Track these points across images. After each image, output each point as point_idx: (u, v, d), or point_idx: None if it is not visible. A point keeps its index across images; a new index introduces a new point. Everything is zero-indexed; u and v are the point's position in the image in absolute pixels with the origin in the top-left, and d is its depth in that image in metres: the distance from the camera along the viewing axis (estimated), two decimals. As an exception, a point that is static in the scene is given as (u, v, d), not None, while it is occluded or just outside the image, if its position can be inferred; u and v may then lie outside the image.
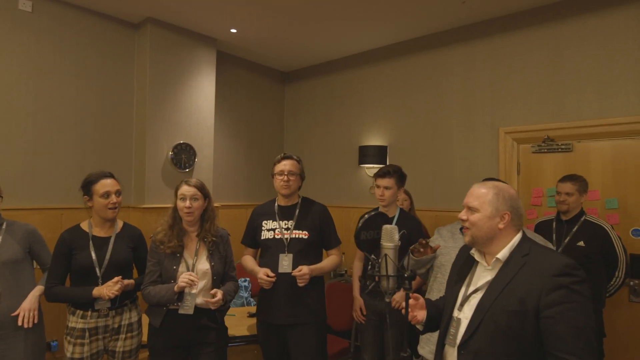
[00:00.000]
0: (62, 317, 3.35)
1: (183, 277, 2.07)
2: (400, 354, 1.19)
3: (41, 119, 3.37)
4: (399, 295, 2.58)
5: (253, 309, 3.18)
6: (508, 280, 1.34)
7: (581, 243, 2.69)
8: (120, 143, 3.82)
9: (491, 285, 1.39)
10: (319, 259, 2.46)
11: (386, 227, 1.34)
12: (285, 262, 2.34)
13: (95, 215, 2.26)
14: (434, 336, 1.97)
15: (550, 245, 2.08)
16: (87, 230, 2.25)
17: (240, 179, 4.83)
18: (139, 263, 2.34)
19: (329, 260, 2.48)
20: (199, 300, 2.15)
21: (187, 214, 2.20)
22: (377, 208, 2.86)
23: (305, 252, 2.39)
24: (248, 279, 4.10)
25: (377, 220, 1.52)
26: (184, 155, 3.95)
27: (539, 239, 2.05)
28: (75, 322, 2.16)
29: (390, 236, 1.31)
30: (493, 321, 1.32)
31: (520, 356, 1.28)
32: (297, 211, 2.47)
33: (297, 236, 2.41)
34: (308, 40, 4.28)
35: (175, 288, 2.08)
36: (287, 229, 2.43)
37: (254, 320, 2.94)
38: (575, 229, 2.74)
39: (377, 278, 1.38)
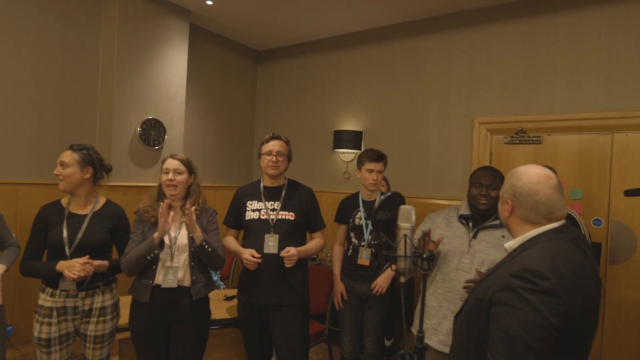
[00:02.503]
0: (18, 300, 3.12)
1: (160, 217, 1.99)
2: (417, 334, 1.18)
3: (-5, 85, 3.06)
4: (383, 279, 2.61)
5: (229, 292, 3.11)
6: (494, 270, 1.31)
7: None
8: (83, 116, 3.55)
9: (486, 272, 1.40)
10: (303, 242, 2.44)
11: (403, 207, 1.33)
12: (270, 243, 2.30)
13: None
14: (441, 326, 1.99)
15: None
16: (65, 206, 2.13)
17: (210, 160, 4.66)
18: (120, 245, 2.21)
19: (315, 243, 2.46)
20: (180, 274, 2.10)
21: (169, 187, 2.13)
22: (357, 193, 2.85)
23: (291, 234, 2.36)
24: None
25: (393, 200, 1.50)
26: (153, 132, 3.74)
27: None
28: (44, 300, 2.06)
29: (407, 216, 1.29)
30: (469, 305, 1.33)
31: (483, 345, 1.22)
32: (284, 192, 2.42)
33: (283, 217, 2.36)
34: (285, 18, 4.16)
35: (156, 234, 2.01)
36: (274, 209, 2.37)
37: (230, 303, 2.88)
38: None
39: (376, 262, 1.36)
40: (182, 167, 2.17)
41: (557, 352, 1.13)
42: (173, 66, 3.92)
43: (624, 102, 3.09)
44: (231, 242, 2.45)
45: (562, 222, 1.27)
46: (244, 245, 2.39)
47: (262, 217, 2.36)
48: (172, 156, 2.20)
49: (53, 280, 2.06)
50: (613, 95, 3.13)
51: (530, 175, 1.27)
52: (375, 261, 1.27)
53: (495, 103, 3.60)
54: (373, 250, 2.59)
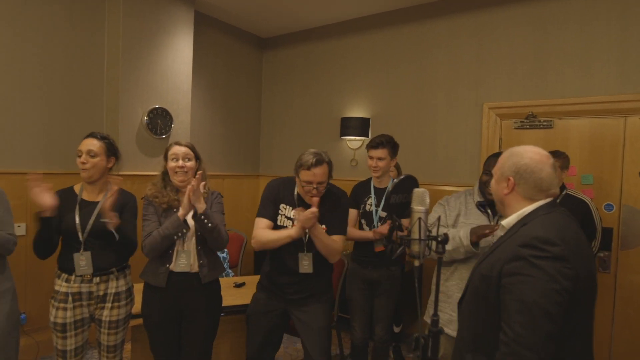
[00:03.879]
0: (30, 288, 3.15)
1: (187, 190, 1.95)
2: (432, 318, 1.17)
3: (2, 77, 3.05)
4: (384, 228, 2.54)
5: (238, 279, 3.12)
6: (495, 247, 1.33)
7: None
8: (90, 105, 3.54)
9: (487, 251, 1.39)
10: None
11: (417, 190, 1.31)
12: (305, 262, 2.11)
13: None
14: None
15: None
16: (77, 192, 2.15)
17: (217, 148, 4.65)
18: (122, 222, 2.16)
19: (332, 240, 2.10)
20: (191, 259, 2.11)
21: (178, 173, 2.12)
22: (370, 179, 2.83)
23: None
24: (227, 250, 4.01)
25: (406, 183, 1.48)
26: (159, 121, 3.73)
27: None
28: (60, 285, 2.09)
29: (422, 199, 1.28)
30: (474, 284, 1.34)
31: (493, 323, 1.24)
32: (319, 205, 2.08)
33: None
34: (290, 3, 4.10)
35: (180, 212, 2.00)
36: None
37: (238, 291, 2.89)
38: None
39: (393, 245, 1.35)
40: (191, 153, 2.16)
41: (567, 320, 1.17)
42: (179, 54, 3.89)
43: (636, 85, 3.03)
44: (269, 232, 2.13)
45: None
46: (271, 256, 2.22)
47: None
48: (177, 143, 2.18)
49: (68, 266, 2.07)
50: (625, 79, 3.07)
51: (532, 154, 1.33)
52: (390, 245, 1.25)
53: (504, 88, 3.55)
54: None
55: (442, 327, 2.01)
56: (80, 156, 2.09)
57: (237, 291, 2.88)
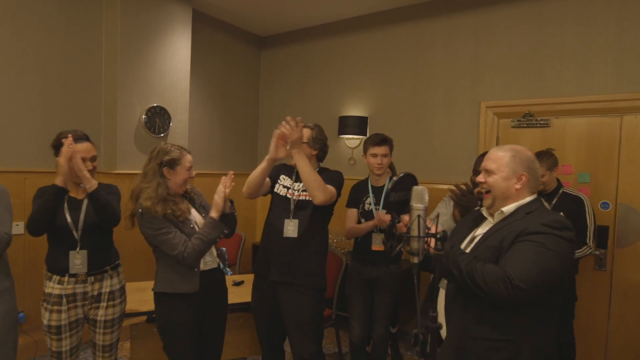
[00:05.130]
0: (28, 287, 3.15)
1: (219, 191, 2.00)
2: (430, 314, 1.19)
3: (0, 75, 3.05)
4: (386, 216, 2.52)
5: (238, 277, 3.13)
6: (502, 226, 1.44)
7: (560, 214, 2.81)
8: (88, 103, 3.54)
9: (488, 230, 1.48)
10: (326, 222, 2.40)
11: (416, 188, 1.32)
12: (290, 227, 2.26)
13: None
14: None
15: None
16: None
17: (216, 147, 4.65)
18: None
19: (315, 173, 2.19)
20: (214, 253, 2.14)
21: (187, 182, 2.10)
22: (367, 178, 2.84)
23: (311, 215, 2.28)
24: (224, 248, 4.01)
25: (405, 181, 1.49)
26: (158, 119, 3.73)
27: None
28: (52, 287, 2.06)
29: (421, 197, 1.29)
30: (476, 257, 1.39)
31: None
32: None
33: (306, 198, 2.29)
34: (288, 2, 4.11)
35: (215, 214, 2.00)
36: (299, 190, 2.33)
37: (237, 289, 2.90)
38: (554, 201, 2.86)
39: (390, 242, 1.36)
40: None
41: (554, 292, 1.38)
42: (176, 53, 3.89)
43: (633, 84, 3.05)
44: (256, 169, 2.33)
45: None
46: (267, 219, 2.40)
47: (287, 195, 2.34)
48: (185, 150, 2.11)
49: (60, 266, 2.06)
50: (622, 78, 3.10)
51: (525, 150, 1.51)
52: (388, 242, 1.26)
53: (502, 86, 3.57)
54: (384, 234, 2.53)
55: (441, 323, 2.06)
56: (83, 163, 2.06)
57: (236, 289, 2.89)
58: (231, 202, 2.10)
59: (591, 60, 3.20)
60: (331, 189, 2.21)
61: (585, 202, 2.82)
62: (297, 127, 2.09)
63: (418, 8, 4.00)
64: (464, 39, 3.75)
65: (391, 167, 3.41)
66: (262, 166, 2.22)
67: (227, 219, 2.07)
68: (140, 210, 1.95)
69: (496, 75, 3.59)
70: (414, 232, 1.23)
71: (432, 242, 1.39)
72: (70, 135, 2.03)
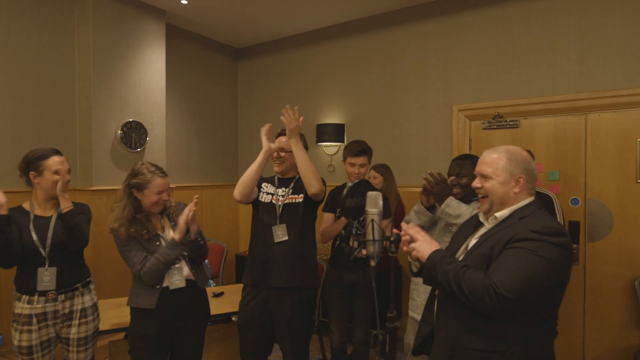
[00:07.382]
0: (5, 308, 3.11)
1: (183, 213, 2.01)
2: (387, 314, 1.22)
3: (-31, 94, 3.04)
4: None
5: (217, 289, 3.14)
6: (494, 232, 1.37)
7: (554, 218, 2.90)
8: (63, 120, 3.53)
9: (481, 237, 1.42)
10: (312, 223, 2.41)
11: (370, 193, 1.36)
12: (279, 232, 2.27)
13: (40, 192, 2.11)
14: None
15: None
16: (28, 210, 2.11)
17: (194, 159, 4.67)
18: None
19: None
20: (185, 271, 2.08)
21: (159, 204, 2.07)
22: (344, 184, 2.87)
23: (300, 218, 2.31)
24: (207, 260, 4.01)
25: (361, 187, 1.53)
26: (134, 134, 3.74)
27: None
28: (22, 308, 2.04)
29: (375, 202, 1.33)
30: (466, 265, 1.34)
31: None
32: (294, 181, 2.38)
33: (293, 201, 2.32)
34: (261, 14, 4.16)
35: (177, 236, 2.00)
36: (283, 195, 2.35)
37: (217, 300, 2.90)
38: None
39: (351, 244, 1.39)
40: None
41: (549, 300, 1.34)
42: (151, 67, 3.91)
43: (595, 83, 3.16)
44: (247, 171, 2.34)
45: None
46: (253, 229, 2.37)
47: (272, 201, 2.34)
48: (160, 174, 2.06)
49: (29, 285, 2.03)
50: (585, 77, 3.20)
51: (520, 150, 1.45)
52: (347, 247, 1.30)
53: (472, 89, 3.66)
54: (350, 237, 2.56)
55: (410, 312, 2.13)
56: (58, 174, 2.06)
57: (216, 300, 2.89)
58: (200, 232, 2.09)
59: (555, 61, 3.31)
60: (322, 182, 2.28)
61: (553, 199, 2.90)
62: (295, 115, 2.14)
63: (389, 16, 4.08)
64: (434, 45, 3.84)
65: (380, 172, 3.44)
66: (258, 161, 2.25)
67: (192, 245, 2.05)
68: (110, 227, 2.02)
69: (466, 79, 3.68)
70: (369, 236, 1.26)
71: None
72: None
